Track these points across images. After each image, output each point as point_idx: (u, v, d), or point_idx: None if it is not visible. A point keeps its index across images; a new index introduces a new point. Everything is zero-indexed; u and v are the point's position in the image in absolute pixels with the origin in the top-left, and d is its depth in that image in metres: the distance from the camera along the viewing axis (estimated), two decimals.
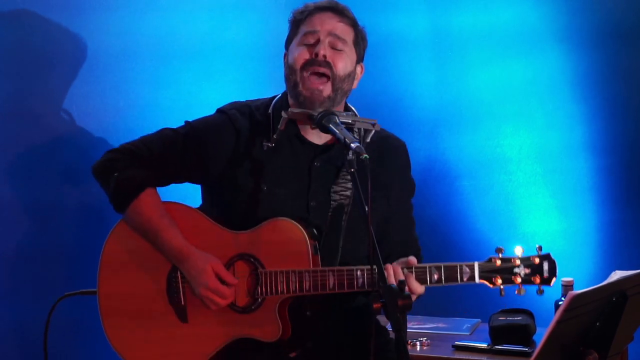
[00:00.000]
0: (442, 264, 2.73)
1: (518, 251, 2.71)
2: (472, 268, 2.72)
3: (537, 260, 2.69)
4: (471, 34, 3.91)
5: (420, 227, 3.10)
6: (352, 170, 2.51)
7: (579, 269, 3.80)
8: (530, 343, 3.38)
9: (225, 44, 3.76)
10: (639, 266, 2.51)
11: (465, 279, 2.73)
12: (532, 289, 2.71)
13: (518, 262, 2.70)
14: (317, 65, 2.84)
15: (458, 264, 2.72)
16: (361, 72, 2.97)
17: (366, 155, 2.53)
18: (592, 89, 3.85)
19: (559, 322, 2.22)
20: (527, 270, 2.70)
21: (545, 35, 3.87)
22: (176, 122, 3.50)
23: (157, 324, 2.88)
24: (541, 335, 2.32)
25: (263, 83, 3.75)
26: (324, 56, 2.84)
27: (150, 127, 3.60)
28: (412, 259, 2.74)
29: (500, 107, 3.93)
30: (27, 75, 3.46)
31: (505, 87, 3.91)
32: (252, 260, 2.83)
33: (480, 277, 2.72)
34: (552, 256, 2.70)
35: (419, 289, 2.72)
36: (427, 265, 2.75)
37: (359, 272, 2.75)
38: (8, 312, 3.42)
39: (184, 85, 3.71)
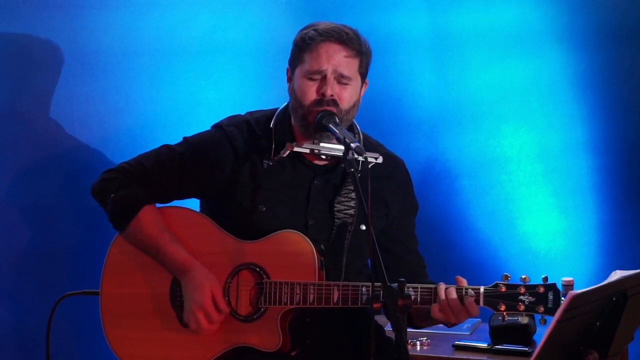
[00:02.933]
0: (448, 286, 2.74)
1: (524, 279, 2.71)
2: (477, 292, 2.72)
3: (542, 290, 2.70)
4: (471, 34, 3.91)
5: (420, 227, 3.10)
6: (352, 170, 2.53)
7: (579, 269, 3.80)
8: (530, 343, 3.38)
9: (226, 44, 3.75)
10: (639, 266, 2.51)
11: None
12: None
13: (523, 289, 2.70)
14: (325, 105, 2.82)
15: (463, 287, 2.73)
16: (365, 88, 2.95)
17: (367, 155, 2.56)
18: (592, 89, 3.85)
19: (559, 322, 2.22)
20: (532, 299, 2.70)
21: (545, 35, 3.87)
22: (176, 122, 3.49)
23: (158, 327, 2.88)
24: (541, 335, 2.32)
25: (263, 83, 3.75)
26: (331, 95, 2.83)
27: (150, 127, 3.61)
28: (462, 280, 2.74)
29: (500, 107, 3.92)
30: (27, 76, 3.46)
31: (505, 87, 3.91)
32: (257, 270, 2.83)
33: (485, 302, 2.72)
34: (558, 286, 2.70)
35: (476, 312, 2.73)
36: (432, 285, 2.75)
37: (364, 289, 2.76)
38: (10, 311, 3.42)
39: (184, 85, 3.71)
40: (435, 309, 2.73)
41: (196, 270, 2.81)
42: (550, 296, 2.69)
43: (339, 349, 2.93)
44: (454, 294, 2.71)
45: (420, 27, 3.94)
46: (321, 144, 2.83)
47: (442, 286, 2.73)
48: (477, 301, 2.72)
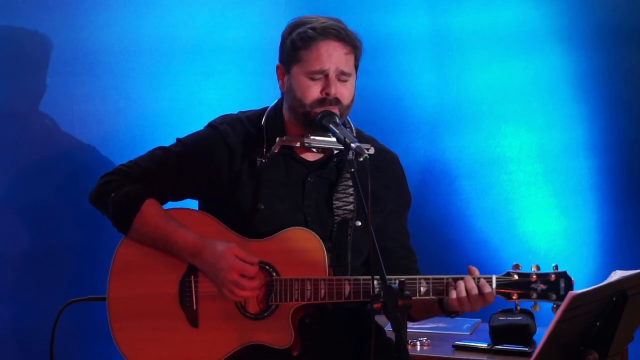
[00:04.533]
0: (459, 276, 2.75)
1: (534, 269, 2.73)
2: (489, 281, 2.74)
3: (553, 277, 2.72)
4: (471, 34, 3.91)
5: (420, 227, 3.11)
6: (352, 170, 2.53)
7: (579, 269, 3.79)
8: (530, 343, 3.38)
9: (226, 44, 3.75)
10: (639, 266, 2.51)
11: None
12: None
13: (535, 277, 2.73)
14: (327, 105, 2.82)
15: (476, 276, 2.74)
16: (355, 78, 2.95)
17: (366, 155, 2.56)
18: (592, 89, 3.85)
19: (559, 322, 2.22)
20: (544, 287, 2.73)
21: (545, 35, 3.87)
22: (176, 122, 3.48)
23: (167, 328, 2.86)
24: (541, 335, 2.32)
25: (263, 83, 3.74)
26: (335, 94, 2.83)
27: (150, 127, 3.61)
28: (474, 270, 2.76)
29: (500, 107, 3.93)
30: (27, 76, 3.46)
31: (505, 87, 3.91)
32: (267, 267, 2.82)
33: (498, 291, 2.74)
34: (569, 274, 2.72)
35: (493, 298, 2.75)
36: (445, 277, 2.76)
37: (375, 282, 2.74)
38: (14, 316, 3.40)
39: (184, 85, 3.71)
40: (452, 297, 2.73)
41: (210, 245, 2.80)
42: (562, 284, 2.71)
43: (339, 349, 2.93)
44: (473, 283, 2.72)
45: (420, 27, 3.95)
46: (311, 137, 2.83)
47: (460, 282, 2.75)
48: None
